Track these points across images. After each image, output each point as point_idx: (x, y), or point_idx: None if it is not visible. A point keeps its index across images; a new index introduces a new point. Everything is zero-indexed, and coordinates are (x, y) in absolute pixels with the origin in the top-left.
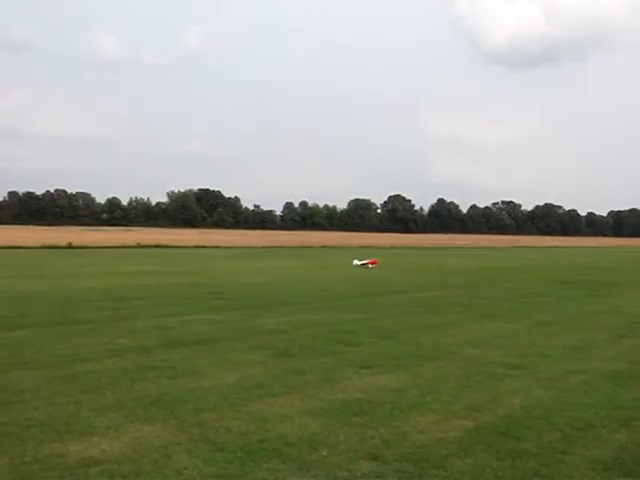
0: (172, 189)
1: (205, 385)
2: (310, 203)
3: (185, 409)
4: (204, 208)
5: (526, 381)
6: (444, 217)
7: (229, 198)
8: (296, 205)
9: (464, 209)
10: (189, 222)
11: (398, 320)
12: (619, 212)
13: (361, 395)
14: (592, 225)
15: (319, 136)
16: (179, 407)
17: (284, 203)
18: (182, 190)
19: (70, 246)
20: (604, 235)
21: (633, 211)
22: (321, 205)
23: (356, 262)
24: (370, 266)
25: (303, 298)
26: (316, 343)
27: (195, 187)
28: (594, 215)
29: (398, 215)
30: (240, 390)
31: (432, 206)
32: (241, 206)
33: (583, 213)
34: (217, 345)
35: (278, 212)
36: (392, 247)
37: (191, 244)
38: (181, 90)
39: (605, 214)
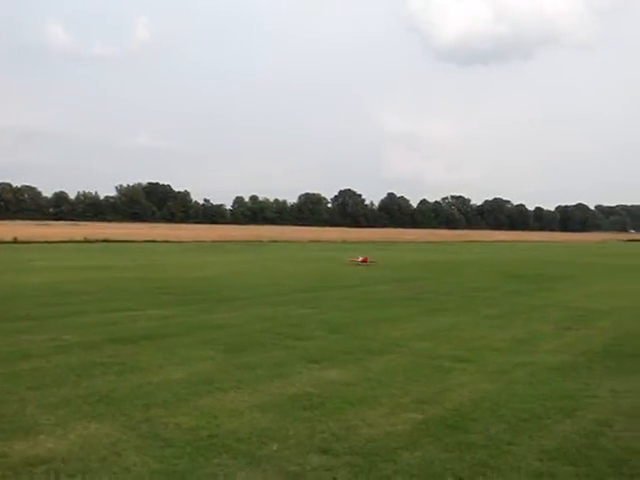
0: (121, 183)
1: (154, 381)
2: (260, 197)
3: (134, 405)
4: (153, 202)
5: (474, 374)
6: (394, 212)
7: (179, 192)
8: (246, 199)
9: (414, 204)
10: (138, 216)
11: (347, 314)
12: (566, 207)
13: (311, 389)
14: (540, 220)
15: (270, 130)
16: (127, 403)
17: (234, 197)
18: (131, 184)
19: (15, 241)
20: (551, 230)
21: (579, 206)
22: (271, 199)
23: (350, 259)
24: (360, 263)
25: (253, 292)
26: (266, 338)
27: (144, 181)
28: (542, 210)
29: (348, 209)
30: (189, 385)
31: (382, 201)
32: (191, 200)
33: (531, 208)
34: (166, 340)
35: (228, 206)
36: (343, 241)
37: (140, 238)
38: (131, 82)
39: (553, 209)
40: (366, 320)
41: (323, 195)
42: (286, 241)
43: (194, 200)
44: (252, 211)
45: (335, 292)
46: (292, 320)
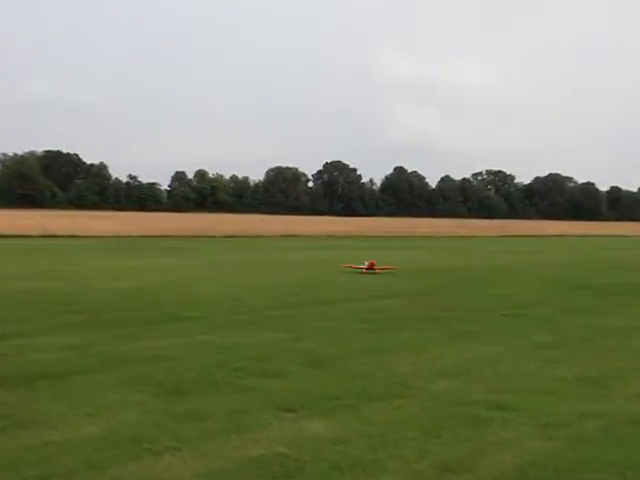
0: (5, 151)
1: (55, 440)
2: (211, 173)
3: (23, 476)
4: (54, 179)
5: (520, 428)
6: (404, 194)
7: (91, 165)
8: (190, 176)
9: (432, 182)
10: (32, 200)
11: (335, 341)
12: None
13: (284, 449)
14: (616, 205)
15: (223, 79)
16: (14, 474)
17: (173, 173)
18: (21, 153)
19: None
20: (633, 219)
21: None
22: (227, 176)
23: (349, 265)
24: (365, 270)
25: (201, 311)
26: (219, 375)
27: (39, 148)
28: (619, 191)
29: (338, 191)
30: (106, 446)
31: (387, 178)
32: (109, 177)
33: (604, 188)
34: (73, 380)
35: (164, 186)
36: (329, 236)
37: (36, 233)
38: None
39: (636, 189)
40: (363, 349)
41: (302, 170)
42: (249, 236)
43: (114, 177)
44: (199, 193)
45: (319, 309)
46: (257, 349)
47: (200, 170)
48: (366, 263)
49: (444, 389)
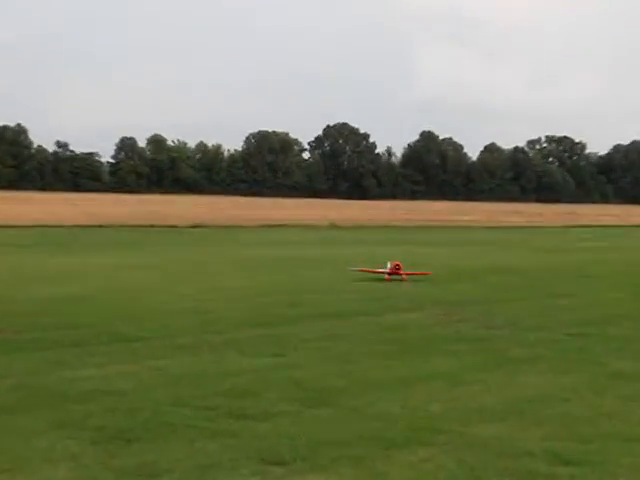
0: None
1: None
2: (170, 140)
3: None
4: None
5: None
6: (433, 169)
7: (4, 129)
8: (141, 144)
9: (472, 152)
10: None
11: (342, 369)
12: None
13: None
14: None
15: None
16: None
17: (117, 141)
18: None
19: None
20: None
21: None
22: (192, 144)
23: (363, 269)
24: (389, 276)
25: (157, 328)
26: (180, 416)
27: None
28: None
29: (344, 165)
30: None
31: (410, 147)
32: (29, 145)
33: None
34: None
35: (106, 158)
36: (332, 226)
37: None
38: None
39: None
40: (379, 380)
41: (294, 136)
42: (223, 226)
43: (36, 145)
44: (154, 167)
45: (320, 326)
46: (234, 381)
47: (155, 136)
48: (389, 265)
49: (488, 435)
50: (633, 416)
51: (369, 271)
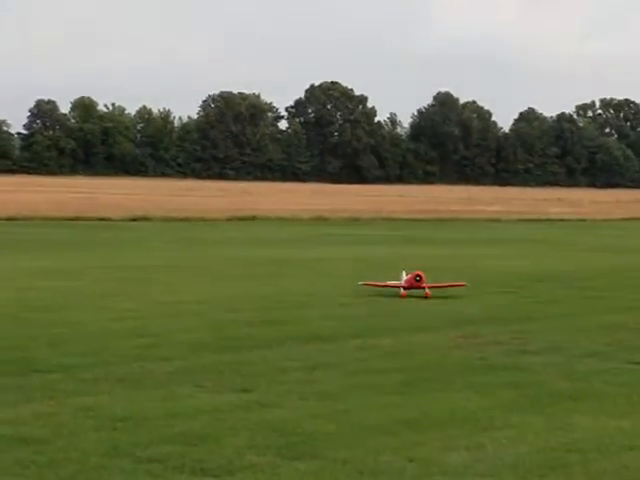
0: None
1: None
2: (102, 105)
3: None
4: None
5: None
6: (452, 142)
7: None
8: (64, 110)
9: (504, 122)
10: None
11: (329, 408)
12: None
13: None
14: None
15: None
16: None
17: (32, 105)
18: None
19: None
20: None
21: None
22: (131, 111)
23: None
24: (404, 291)
25: (83, 354)
26: (117, 469)
27: None
28: None
29: (334, 137)
30: None
31: (421, 114)
32: None
33: None
34: None
35: (16, 128)
36: (318, 218)
37: None
38: None
39: None
40: (376, 423)
41: (267, 100)
42: (174, 220)
43: None
44: (82, 140)
45: (300, 351)
46: (188, 424)
47: (82, 100)
48: (404, 277)
49: None
50: None
51: (381, 285)
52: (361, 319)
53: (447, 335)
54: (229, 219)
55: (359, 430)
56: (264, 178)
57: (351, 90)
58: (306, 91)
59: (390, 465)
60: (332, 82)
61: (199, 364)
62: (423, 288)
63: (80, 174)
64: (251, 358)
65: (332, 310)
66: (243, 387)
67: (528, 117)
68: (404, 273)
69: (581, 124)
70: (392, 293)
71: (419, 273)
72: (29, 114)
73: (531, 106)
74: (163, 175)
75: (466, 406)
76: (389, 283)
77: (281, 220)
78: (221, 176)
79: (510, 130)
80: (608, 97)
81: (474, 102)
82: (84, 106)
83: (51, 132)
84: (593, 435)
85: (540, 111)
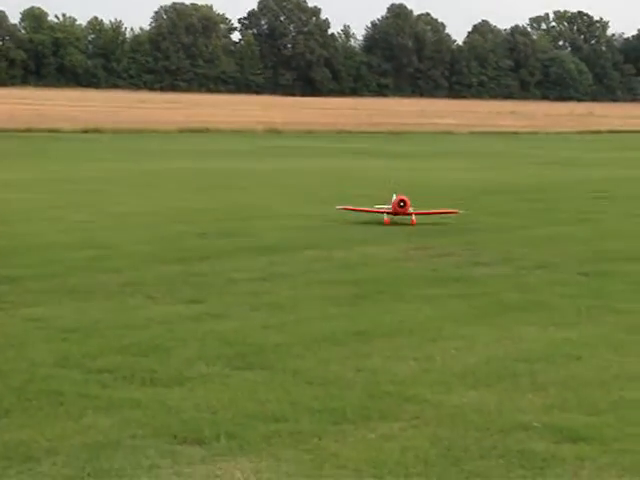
0: None
1: None
2: (53, 16)
3: None
4: None
5: (607, 472)
6: (405, 54)
7: None
8: (13, 20)
9: (457, 34)
10: None
11: (279, 319)
12: None
13: None
14: None
15: None
16: None
17: None
18: None
19: None
20: None
21: None
22: (82, 22)
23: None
24: (390, 215)
25: (30, 265)
26: (67, 380)
27: None
28: None
29: (287, 49)
30: None
31: (374, 27)
32: None
33: None
34: None
35: None
36: (271, 130)
37: None
38: None
39: None
40: (326, 334)
41: (219, 12)
42: (126, 131)
43: None
44: (32, 51)
45: (251, 262)
46: (138, 334)
47: (32, 10)
48: (394, 198)
49: (471, 405)
50: None
51: (360, 210)
52: (314, 230)
53: (399, 247)
54: (181, 131)
55: (309, 341)
56: (217, 90)
57: (304, 2)
58: (259, 2)
59: (339, 375)
60: None
61: (149, 275)
62: (409, 214)
63: (31, 85)
64: (202, 269)
65: (285, 222)
66: (193, 298)
67: (482, 30)
68: (394, 196)
69: (534, 37)
70: (372, 220)
71: (403, 198)
72: None
73: (484, 18)
74: (115, 87)
75: (416, 317)
76: (370, 209)
77: (234, 132)
78: (173, 88)
79: (464, 43)
80: (562, 9)
81: (428, 14)
82: (34, 16)
83: (1, 43)
84: (541, 345)
85: (494, 24)
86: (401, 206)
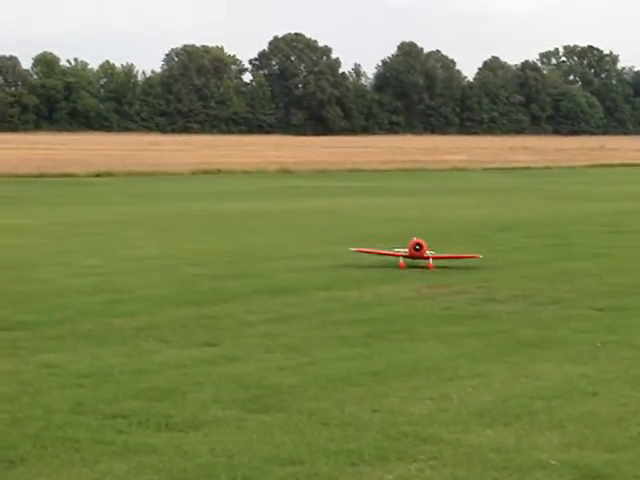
0: None
1: None
2: (65, 60)
3: None
4: None
5: None
6: (416, 92)
7: None
8: (26, 66)
9: (468, 71)
10: None
11: (294, 361)
12: None
13: None
14: None
15: None
16: None
17: None
18: None
19: None
20: None
21: None
22: (94, 66)
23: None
24: (403, 260)
25: (46, 312)
26: (82, 426)
27: None
28: None
29: (298, 89)
30: None
31: (385, 65)
32: None
33: None
34: None
35: None
36: (283, 170)
37: None
38: None
39: None
40: (341, 375)
41: (230, 53)
42: (138, 175)
43: None
44: (44, 96)
45: (265, 304)
46: (153, 379)
47: (44, 55)
48: (414, 240)
49: (489, 444)
50: None
51: (375, 252)
52: (327, 271)
53: (412, 286)
54: (194, 173)
55: (324, 382)
56: (229, 131)
57: (315, 41)
58: (270, 43)
59: (355, 416)
60: (295, 33)
61: (164, 319)
62: (426, 258)
63: (44, 130)
64: (216, 312)
65: (298, 262)
66: (208, 341)
67: (492, 66)
68: (415, 239)
69: (545, 72)
70: (385, 262)
71: (419, 241)
72: None
73: (495, 55)
74: (127, 130)
75: (431, 356)
76: (385, 251)
77: (246, 173)
78: (185, 130)
79: (474, 79)
80: (571, 44)
81: (438, 51)
82: (46, 62)
83: (13, 88)
84: (557, 382)
85: (504, 60)
86: (417, 249)
